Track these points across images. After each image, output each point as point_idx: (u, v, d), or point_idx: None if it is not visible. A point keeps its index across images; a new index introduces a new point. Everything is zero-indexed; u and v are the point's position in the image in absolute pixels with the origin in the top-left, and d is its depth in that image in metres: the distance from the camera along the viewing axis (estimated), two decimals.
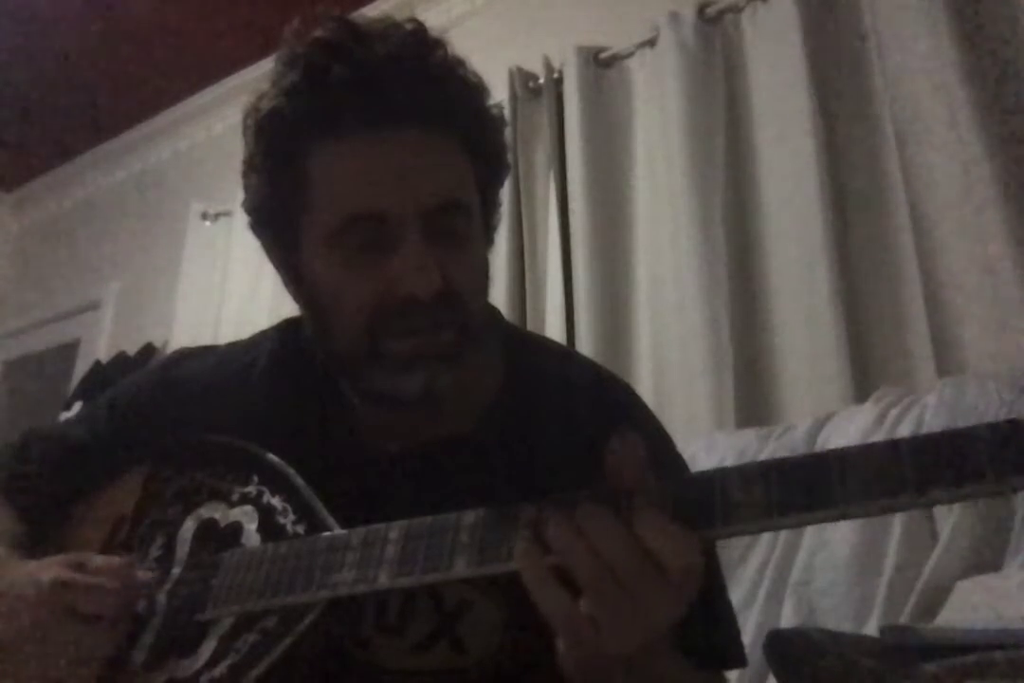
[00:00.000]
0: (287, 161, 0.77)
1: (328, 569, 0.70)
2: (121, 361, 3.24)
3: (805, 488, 0.57)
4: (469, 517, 0.67)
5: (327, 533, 0.74)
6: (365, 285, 0.76)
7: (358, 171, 0.75)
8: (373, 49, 0.75)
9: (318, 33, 0.77)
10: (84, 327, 3.75)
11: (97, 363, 3.34)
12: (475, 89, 0.81)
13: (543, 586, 0.59)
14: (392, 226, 0.75)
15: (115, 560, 0.81)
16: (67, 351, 3.79)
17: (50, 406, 3.36)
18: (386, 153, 0.75)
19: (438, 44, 0.78)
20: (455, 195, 0.77)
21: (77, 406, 3.05)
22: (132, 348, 3.28)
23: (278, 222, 0.81)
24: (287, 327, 0.93)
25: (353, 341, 0.77)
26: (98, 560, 0.80)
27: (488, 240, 0.86)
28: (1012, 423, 0.54)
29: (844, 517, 0.57)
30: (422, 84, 0.76)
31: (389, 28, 0.77)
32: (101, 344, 3.56)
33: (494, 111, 0.84)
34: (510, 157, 0.88)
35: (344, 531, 0.73)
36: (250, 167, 0.81)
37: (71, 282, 3.88)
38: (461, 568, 0.65)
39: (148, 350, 3.21)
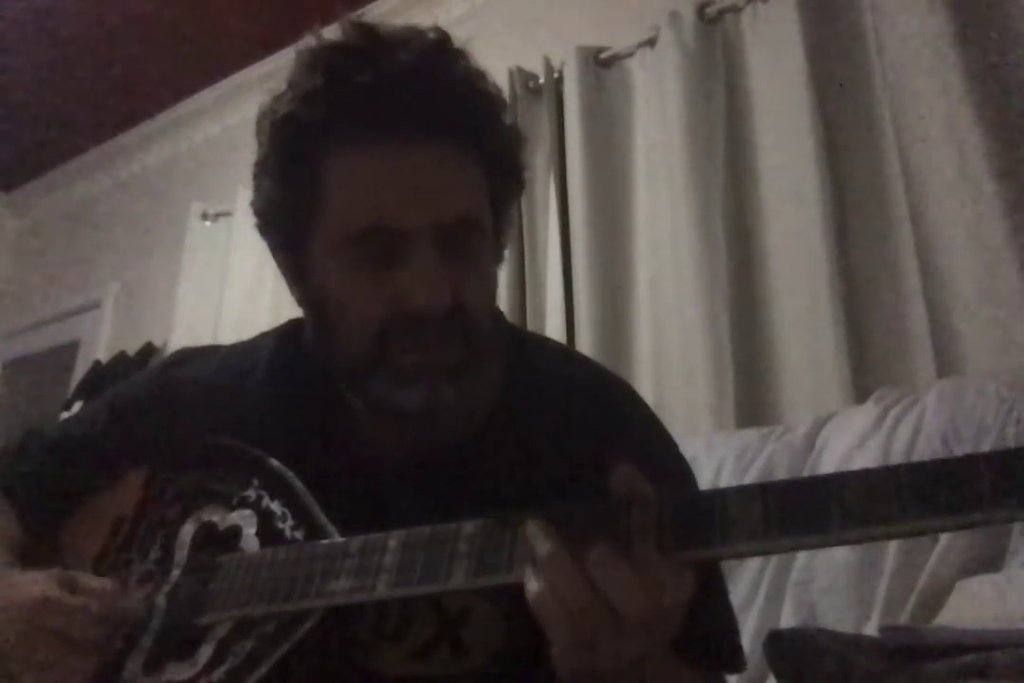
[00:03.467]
0: (302, 165, 0.77)
1: (326, 577, 0.70)
2: (121, 361, 3.24)
3: (803, 513, 0.57)
4: (468, 527, 0.66)
5: (326, 540, 0.73)
6: (375, 296, 0.75)
7: (375, 182, 0.74)
8: (396, 57, 0.74)
9: (340, 38, 0.76)
10: (84, 327, 3.75)
11: (97, 363, 3.34)
12: (495, 103, 0.80)
13: (550, 614, 0.59)
14: (406, 239, 0.74)
15: (106, 584, 0.80)
16: (67, 351, 3.78)
17: (50, 406, 3.36)
18: (404, 165, 0.74)
19: (461, 55, 0.78)
20: (470, 212, 0.77)
21: (77, 406, 3.05)
22: (132, 348, 3.28)
23: (288, 225, 0.80)
24: (289, 329, 0.92)
25: (358, 350, 0.77)
26: (89, 582, 0.79)
27: (498, 256, 0.85)
28: (1011, 452, 0.54)
29: (841, 543, 0.57)
30: (444, 96, 0.75)
31: (412, 36, 0.76)
32: (101, 344, 3.56)
33: (513, 127, 0.83)
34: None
35: (343, 539, 0.72)
36: (262, 169, 0.80)
37: (71, 282, 3.88)
38: (459, 579, 0.64)
39: (148, 350, 3.20)
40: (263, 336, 0.96)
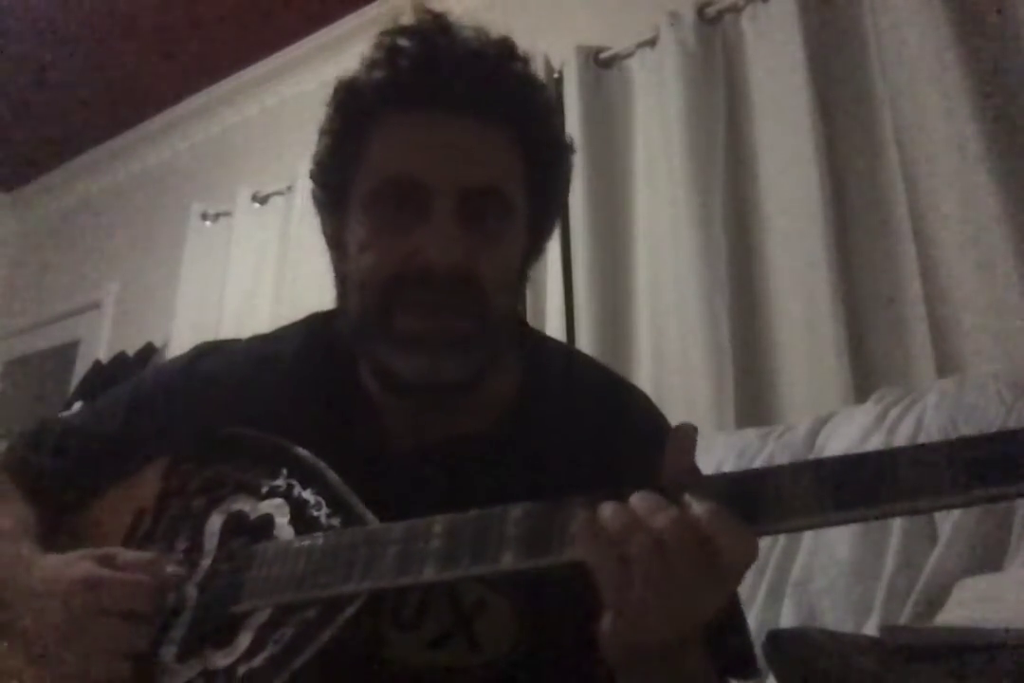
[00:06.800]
0: (354, 127, 0.82)
1: (370, 562, 0.69)
2: (121, 361, 3.24)
3: (856, 486, 0.57)
4: (516, 511, 0.66)
5: (366, 527, 0.72)
6: (389, 249, 0.78)
7: (408, 139, 0.79)
8: (456, 40, 0.80)
9: (411, 21, 0.82)
10: (84, 327, 3.75)
11: (97, 363, 3.34)
12: (548, 106, 0.85)
13: (605, 563, 0.59)
14: (427, 197, 0.77)
15: (144, 555, 0.79)
16: (67, 351, 3.79)
17: (50, 406, 3.36)
18: (443, 131, 0.79)
19: (521, 58, 0.84)
20: (496, 183, 0.79)
21: (77, 406, 3.05)
22: (132, 348, 3.28)
23: (334, 187, 0.84)
24: (314, 320, 0.93)
25: (368, 308, 0.79)
26: (127, 555, 0.79)
27: (534, 249, 0.88)
28: None
29: (894, 514, 0.58)
30: (497, 84, 0.80)
31: (480, 31, 0.83)
32: (101, 344, 3.56)
33: (567, 139, 0.87)
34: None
35: (384, 525, 0.72)
36: (323, 132, 0.85)
37: (71, 282, 3.88)
38: (508, 561, 0.64)
39: (148, 350, 3.20)
40: (288, 326, 0.97)
